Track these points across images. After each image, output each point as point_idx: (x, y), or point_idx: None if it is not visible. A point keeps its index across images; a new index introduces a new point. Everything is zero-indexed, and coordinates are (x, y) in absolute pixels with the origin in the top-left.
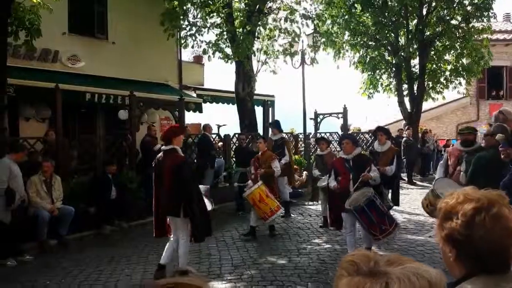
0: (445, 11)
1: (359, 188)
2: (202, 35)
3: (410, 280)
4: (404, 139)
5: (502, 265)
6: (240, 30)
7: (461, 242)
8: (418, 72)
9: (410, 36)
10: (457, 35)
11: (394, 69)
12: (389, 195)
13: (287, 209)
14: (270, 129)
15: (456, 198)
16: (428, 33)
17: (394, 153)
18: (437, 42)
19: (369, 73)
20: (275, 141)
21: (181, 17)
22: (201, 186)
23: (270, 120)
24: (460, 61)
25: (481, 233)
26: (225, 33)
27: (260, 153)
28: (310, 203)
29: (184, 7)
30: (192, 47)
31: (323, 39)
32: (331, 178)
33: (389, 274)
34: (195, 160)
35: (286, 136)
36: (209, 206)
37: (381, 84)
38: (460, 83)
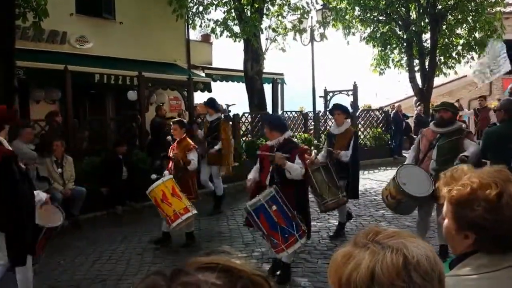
0: None
1: (275, 183)
2: (209, 13)
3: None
4: (415, 115)
5: None
6: (248, 7)
7: (486, 227)
8: (429, 47)
9: (421, 10)
10: (470, 8)
11: (405, 44)
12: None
13: (218, 204)
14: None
15: (469, 185)
16: (439, 6)
17: (352, 136)
18: (449, 16)
19: (380, 48)
20: (210, 123)
21: None
22: (39, 192)
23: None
24: (473, 35)
25: (508, 214)
26: (232, 11)
27: (176, 142)
28: None
29: None
30: (200, 26)
31: (333, 16)
32: (254, 170)
33: (383, 244)
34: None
35: (223, 116)
36: (54, 220)
37: (392, 60)
38: (472, 58)
